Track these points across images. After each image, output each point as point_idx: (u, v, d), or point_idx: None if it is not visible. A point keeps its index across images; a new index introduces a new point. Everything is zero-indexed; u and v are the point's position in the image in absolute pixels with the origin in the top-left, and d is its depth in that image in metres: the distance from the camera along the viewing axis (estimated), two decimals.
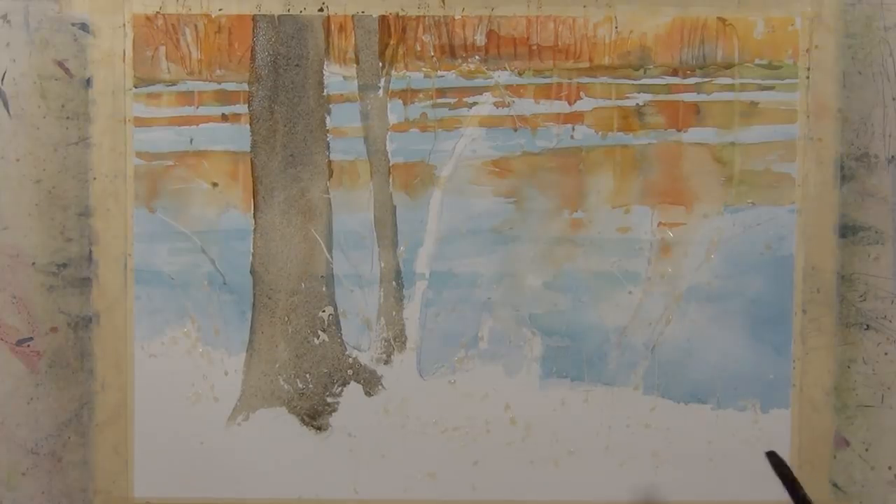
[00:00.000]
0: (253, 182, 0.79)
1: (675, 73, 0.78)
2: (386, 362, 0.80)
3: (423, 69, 0.78)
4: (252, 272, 0.79)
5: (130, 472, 0.80)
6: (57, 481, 0.79)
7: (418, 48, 0.78)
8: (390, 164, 0.79)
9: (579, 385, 0.79)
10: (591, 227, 0.79)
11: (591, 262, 0.79)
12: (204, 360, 0.79)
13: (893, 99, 0.77)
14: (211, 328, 0.79)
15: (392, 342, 0.80)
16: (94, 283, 0.79)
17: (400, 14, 0.78)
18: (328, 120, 0.79)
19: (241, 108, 0.79)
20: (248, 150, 0.79)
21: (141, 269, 0.79)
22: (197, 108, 0.78)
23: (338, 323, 0.80)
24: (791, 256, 0.78)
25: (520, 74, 0.78)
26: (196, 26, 0.78)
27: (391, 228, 0.79)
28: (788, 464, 0.71)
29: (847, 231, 0.78)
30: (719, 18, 0.78)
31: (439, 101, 0.78)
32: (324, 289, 0.79)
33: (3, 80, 0.77)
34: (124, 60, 0.78)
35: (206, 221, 0.79)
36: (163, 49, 0.78)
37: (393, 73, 0.78)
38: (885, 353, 0.78)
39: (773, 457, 0.69)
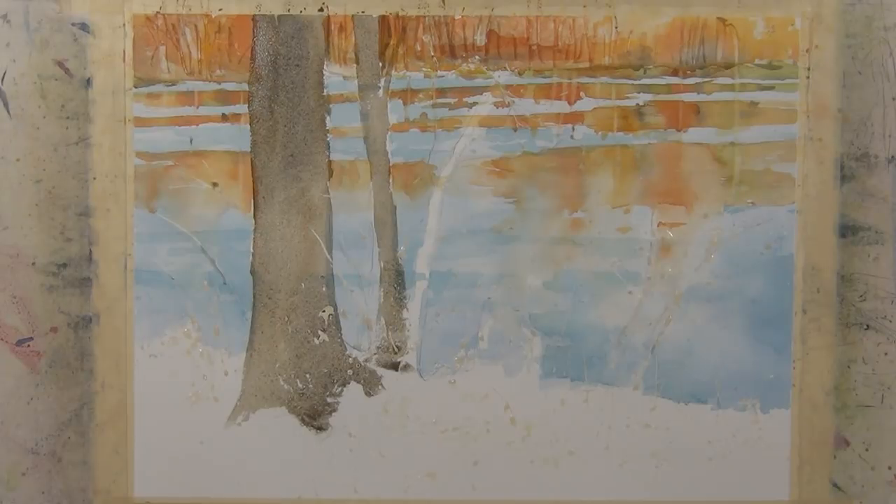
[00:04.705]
0: (253, 182, 0.79)
1: (675, 73, 0.78)
2: (386, 362, 0.80)
3: (423, 69, 0.78)
4: (252, 272, 0.79)
5: (130, 472, 0.80)
6: (57, 481, 0.79)
7: (418, 48, 0.78)
8: (390, 164, 0.79)
9: (579, 385, 0.79)
10: (591, 227, 0.79)
11: (591, 262, 0.79)
12: (204, 360, 0.79)
13: (893, 99, 0.77)
14: (211, 328, 0.79)
15: (392, 342, 0.80)
16: (94, 283, 0.79)
17: (400, 14, 0.78)
18: (328, 120, 0.79)
19: (241, 108, 0.79)
20: (248, 150, 0.79)
21: (141, 269, 0.79)
22: (197, 108, 0.78)
23: (338, 323, 0.80)
24: (791, 256, 0.78)
25: (520, 74, 0.78)
26: (196, 26, 0.78)
27: (391, 228, 0.79)
28: None
29: (847, 231, 0.78)
30: (719, 18, 0.78)
31: (439, 101, 0.78)
32: (324, 289, 0.79)
33: (3, 80, 0.77)
34: (124, 60, 0.78)
35: (206, 221, 0.79)
36: (163, 49, 0.78)
37: (393, 73, 0.78)
38: (885, 353, 0.78)
39: None
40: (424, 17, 0.78)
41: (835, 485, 0.79)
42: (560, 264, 0.79)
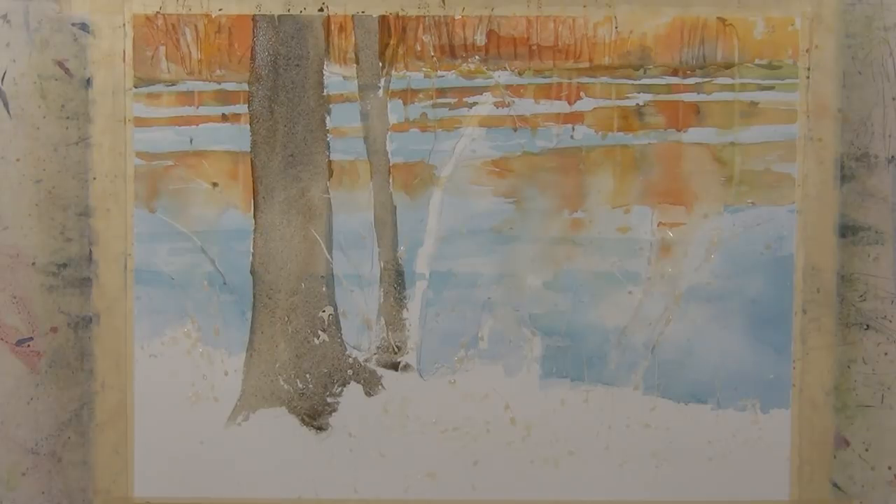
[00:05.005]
0: (253, 182, 0.79)
1: (675, 73, 0.78)
2: (386, 362, 0.80)
3: (423, 69, 0.78)
4: (252, 272, 0.79)
5: (130, 472, 0.80)
6: (57, 481, 0.79)
7: (418, 48, 0.78)
8: (390, 164, 0.79)
9: (579, 385, 0.79)
10: (591, 227, 0.79)
11: (591, 262, 0.79)
12: (204, 360, 0.79)
13: (893, 99, 0.77)
14: (211, 328, 0.79)
15: (392, 342, 0.80)
16: (94, 283, 0.79)
17: (400, 14, 0.78)
18: (328, 120, 0.79)
19: (241, 108, 0.79)
20: (248, 150, 0.79)
21: (141, 269, 0.79)
22: (197, 108, 0.78)
23: (338, 323, 0.80)
24: (791, 256, 0.78)
25: (520, 74, 0.78)
26: (196, 26, 0.78)
27: (391, 228, 0.79)
28: None
29: (847, 231, 0.78)
30: (719, 18, 0.78)
31: (439, 101, 0.78)
32: (324, 289, 0.79)
33: (3, 80, 0.77)
34: (124, 60, 0.78)
35: (206, 221, 0.79)
36: (163, 49, 0.78)
37: (393, 73, 0.78)
38: (885, 353, 0.78)
39: None
40: (424, 17, 0.78)
41: (835, 485, 0.79)
42: (560, 264, 0.79)
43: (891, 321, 0.78)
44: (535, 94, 0.78)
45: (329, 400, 0.80)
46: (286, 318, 0.79)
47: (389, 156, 0.79)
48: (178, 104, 0.78)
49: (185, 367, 0.79)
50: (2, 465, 0.79)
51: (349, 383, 0.80)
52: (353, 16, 0.78)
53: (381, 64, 0.78)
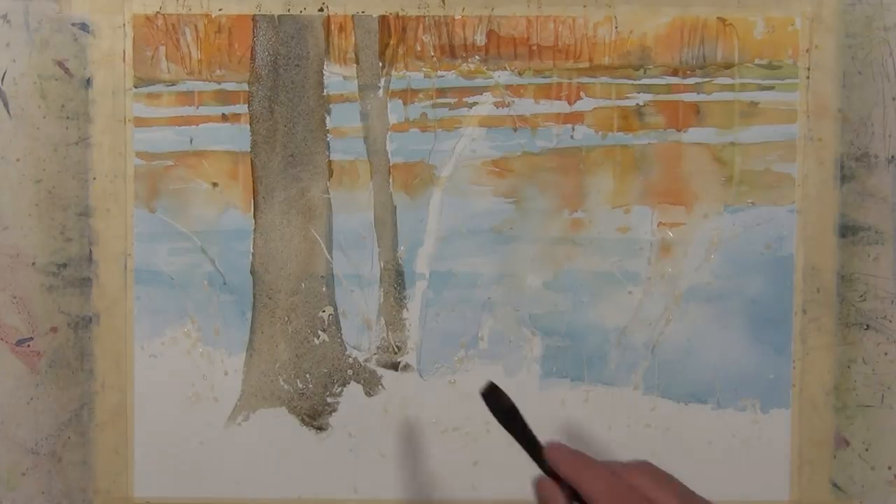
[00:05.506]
0: (253, 182, 0.79)
1: (675, 73, 0.78)
2: (386, 362, 0.80)
3: (423, 69, 0.78)
4: (252, 272, 0.79)
5: (130, 472, 0.80)
6: (57, 481, 0.79)
7: (418, 48, 0.78)
8: (390, 164, 0.79)
9: (579, 385, 0.79)
10: (591, 227, 0.79)
11: (591, 262, 0.79)
12: (204, 360, 0.79)
13: (893, 99, 0.77)
14: (211, 328, 0.79)
15: (392, 342, 0.80)
16: (94, 283, 0.79)
17: (400, 14, 0.78)
18: (328, 120, 0.79)
19: (241, 108, 0.79)
20: (248, 150, 0.79)
21: (141, 269, 0.79)
22: (197, 108, 0.78)
23: (338, 323, 0.80)
24: (791, 256, 0.78)
25: (520, 74, 0.78)
26: (196, 26, 0.78)
27: (391, 228, 0.79)
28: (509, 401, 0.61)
29: (847, 231, 0.78)
30: (719, 18, 0.78)
31: (439, 101, 0.78)
32: (324, 289, 0.79)
33: (3, 80, 0.77)
34: (124, 60, 0.78)
35: (206, 221, 0.79)
36: (163, 49, 0.78)
37: (393, 73, 0.78)
38: (885, 353, 0.78)
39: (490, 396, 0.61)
40: (424, 17, 0.78)
41: (835, 485, 0.79)
42: (560, 264, 0.79)
43: (891, 321, 0.78)
44: (535, 94, 0.78)
45: (329, 400, 0.80)
46: (286, 318, 0.79)
47: (389, 156, 0.79)
48: (178, 104, 0.78)
49: (185, 367, 0.79)
50: (2, 465, 0.79)
51: (349, 383, 0.80)
52: (353, 16, 0.78)
53: (381, 64, 0.78)
